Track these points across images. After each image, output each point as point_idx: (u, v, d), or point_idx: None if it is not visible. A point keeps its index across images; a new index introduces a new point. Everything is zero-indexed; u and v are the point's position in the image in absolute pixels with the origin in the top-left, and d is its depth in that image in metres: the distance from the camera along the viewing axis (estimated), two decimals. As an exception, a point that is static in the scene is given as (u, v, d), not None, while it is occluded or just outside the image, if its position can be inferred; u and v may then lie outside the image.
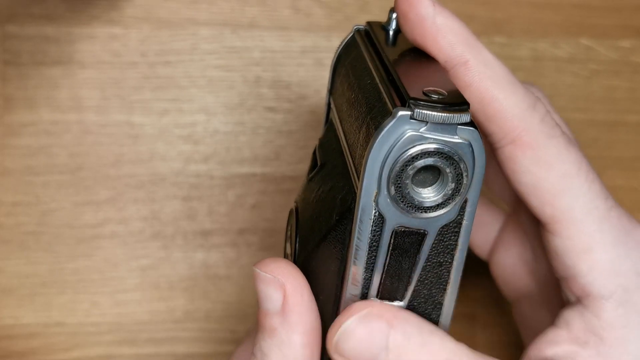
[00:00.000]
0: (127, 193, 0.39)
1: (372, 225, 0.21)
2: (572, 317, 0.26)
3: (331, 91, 0.28)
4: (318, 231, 0.24)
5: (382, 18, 0.40)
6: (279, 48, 0.39)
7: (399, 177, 0.20)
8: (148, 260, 0.39)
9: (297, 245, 0.26)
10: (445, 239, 0.22)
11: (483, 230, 0.32)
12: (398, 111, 0.20)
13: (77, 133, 0.38)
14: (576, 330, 0.26)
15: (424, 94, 0.20)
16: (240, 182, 0.39)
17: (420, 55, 0.25)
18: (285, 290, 0.24)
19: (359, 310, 0.23)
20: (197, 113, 0.39)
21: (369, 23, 0.27)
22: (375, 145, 0.20)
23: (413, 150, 0.20)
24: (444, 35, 0.26)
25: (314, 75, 0.40)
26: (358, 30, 0.27)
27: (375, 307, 0.23)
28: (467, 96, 0.23)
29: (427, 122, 0.20)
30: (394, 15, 0.26)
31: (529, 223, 0.30)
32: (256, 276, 0.24)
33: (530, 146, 0.25)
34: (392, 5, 0.40)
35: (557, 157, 0.25)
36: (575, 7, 0.41)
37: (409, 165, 0.20)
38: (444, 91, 0.20)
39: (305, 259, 0.25)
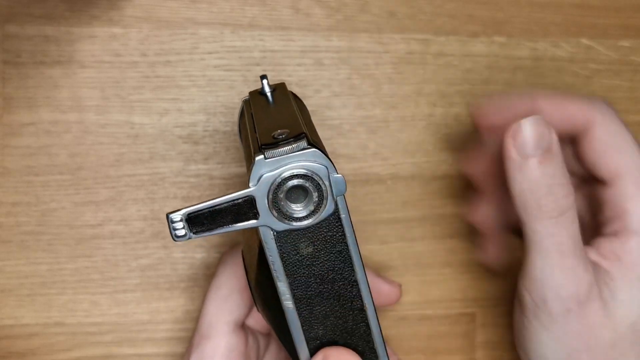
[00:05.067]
0: (127, 193, 0.39)
1: (275, 242, 0.27)
2: (611, 243, 0.33)
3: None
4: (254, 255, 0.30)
5: (382, 17, 0.40)
6: (279, 48, 0.39)
7: (275, 202, 0.26)
8: (148, 260, 0.39)
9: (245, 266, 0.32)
10: (334, 231, 0.28)
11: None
12: (255, 157, 0.26)
13: (77, 133, 0.38)
14: (611, 250, 0.32)
15: (273, 137, 0.26)
16: (240, 182, 0.39)
17: (278, 107, 0.31)
18: None
19: None
20: (197, 113, 0.39)
21: (250, 93, 0.33)
22: (250, 184, 0.26)
23: (277, 180, 0.26)
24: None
25: (314, 75, 0.40)
26: (245, 101, 0.33)
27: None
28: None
29: (278, 157, 0.26)
30: (265, 82, 0.32)
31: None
32: None
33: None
34: (392, 6, 0.40)
35: (616, 132, 0.33)
36: (575, 7, 0.41)
37: (278, 191, 0.26)
38: (288, 131, 0.27)
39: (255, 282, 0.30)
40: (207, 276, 0.39)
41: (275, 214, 0.27)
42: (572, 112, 0.34)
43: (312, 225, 0.27)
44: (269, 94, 0.32)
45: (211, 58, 0.39)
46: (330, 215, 0.27)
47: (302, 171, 0.26)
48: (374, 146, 0.40)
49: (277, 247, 0.27)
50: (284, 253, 0.28)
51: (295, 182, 0.26)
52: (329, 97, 0.40)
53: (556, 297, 0.31)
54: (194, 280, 0.39)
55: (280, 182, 0.26)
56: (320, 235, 0.27)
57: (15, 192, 0.38)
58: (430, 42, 0.40)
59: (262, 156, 0.26)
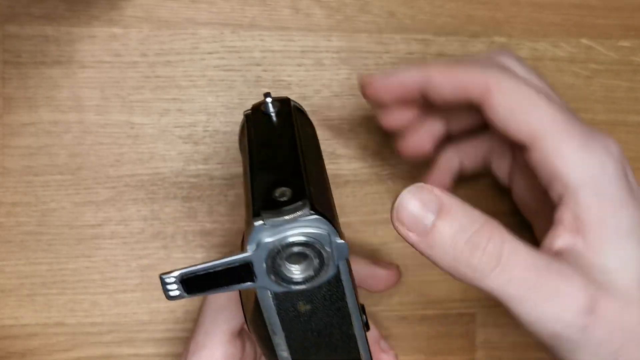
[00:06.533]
0: (127, 193, 0.39)
1: (273, 300, 0.26)
2: (561, 213, 0.30)
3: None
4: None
5: (382, 18, 0.40)
6: (279, 48, 0.39)
7: (274, 268, 0.25)
8: (148, 260, 0.39)
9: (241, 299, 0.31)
10: (333, 290, 0.27)
11: (501, 161, 0.38)
12: (254, 222, 0.25)
13: (77, 133, 0.38)
14: (567, 222, 0.30)
15: (273, 198, 0.25)
16: (240, 182, 0.39)
17: (280, 139, 0.29)
18: None
19: None
20: (197, 113, 0.39)
21: (252, 108, 0.32)
22: (247, 248, 0.25)
23: (276, 247, 0.25)
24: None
25: (314, 75, 0.40)
26: (247, 116, 0.32)
27: None
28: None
29: (279, 224, 0.24)
30: (269, 100, 0.31)
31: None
32: None
33: (499, 91, 0.31)
34: (392, 6, 0.40)
35: (517, 92, 0.31)
36: (575, 7, 0.41)
37: (277, 257, 0.25)
38: (290, 190, 0.25)
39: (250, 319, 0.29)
40: (207, 276, 0.39)
41: (274, 278, 0.25)
42: (466, 81, 0.32)
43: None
44: (272, 115, 0.31)
45: (211, 58, 0.39)
46: (331, 277, 0.26)
47: (303, 239, 0.25)
48: (373, 146, 0.40)
49: (274, 305, 0.27)
50: (281, 311, 0.27)
51: (295, 249, 0.25)
52: (329, 97, 0.40)
53: (563, 328, 0.28)
54: (194, 280, 0.39)
55: (280, 249, 0.25)
56: (320, 294, 0.27)
57: (15, 192, 0.38)
58: (430, 42, 0.40)
59: (261, 222, 0.24)
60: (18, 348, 0.39)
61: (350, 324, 0.28)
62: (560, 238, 0.30)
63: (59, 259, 0.39)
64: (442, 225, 0.27)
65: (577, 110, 0.41)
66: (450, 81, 0.32)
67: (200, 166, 0.39)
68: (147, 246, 0.39)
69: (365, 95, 0.35)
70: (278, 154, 0.28)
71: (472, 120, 0.37)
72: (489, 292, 0.28)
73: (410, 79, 0.33)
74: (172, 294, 0.25)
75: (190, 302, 0.39)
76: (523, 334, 0.42)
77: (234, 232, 0.39)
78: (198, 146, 0.39)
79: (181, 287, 0.25)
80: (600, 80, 0.42)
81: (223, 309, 0.34)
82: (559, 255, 0.30)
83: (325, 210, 0.25)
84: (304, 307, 0.27)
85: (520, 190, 0.38)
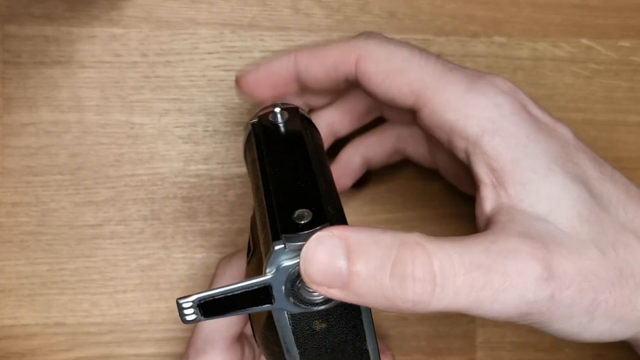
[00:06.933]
0: (127, 193, 0.39)
1: (289, 319, 0.26)
2: (475, 170, 0.28)
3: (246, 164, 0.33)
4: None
5: (382, 18, 0.40)
6: (279, 48, 0.39)
7: (293, 290, 0.25)
8: (148, 260, 0.39)
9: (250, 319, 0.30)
10: (350, 308, 0.27)
11: (415, 145, 0.36)
12: (275, 245, 0.24)
13: (77, 133, 0.38)
14: (485, 177, 0.28)
15: (294, 220, 0.25)
16: (240, 182, 0.39)
17: (292, 153, 0.29)
18: None
19: None
20: (197, 113, 0.39)
21: (259, 118, 0.31)
22: (267, 271, 0.24)
23: (294, 271, 0.24)
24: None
25: (314, 75, 0.40)
26: (253, 125, 0.31)
27: None
28: None
29: (300, 247, 0.24)
30: (278, 110, 0.30)
31: None
32: None
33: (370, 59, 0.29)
34: (392, 6, 0.40)
35: (389, 55, 0.29)
36: (575, 7, 0.41)
37: (297, 280, 0.25)
38: (310, 212, 0.25)
39: (259, 336, 0.29)
40: (207, 276, 0.39)
41: (292, 301, 0.25)
42: (334, 58, 0.30)
43: None
44: (281, 125, 0.30)
45: (211, 58, 0.39)
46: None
47: None
48: (374, 146, 0.40)
49: (290, 325, 0.26)
50: (297, 330, 0.27)
51: None
52: (329, 97, 0.40)
53: (530, 307, 0.26)
54: (194, 281, 0.39)
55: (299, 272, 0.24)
56: (336, 313, 0.26)
57: (15, 192, 0.38)
58: (430, 42, 0.40)
59: (282, 245, 0.24)
60: (18, 348, 0.39)
61: (364, 339, 0.27)
62: (487, 199, 0.28)
63: (59, 259, 0.39)
64: (357, 268, 0.24)
65: (577, 110, 0.41)
66: (319, 61, 0.31)
67: (200, 166, 0.39)
68: (147, 246, 0.39)
69: (240, 93, 0.33)
70: (293, 172, 0.28)
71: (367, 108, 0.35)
72: (441, 312, 0.25)
73: (280, 67, 0.32)
74: (188, 318, 0.25)
75: (190, 302, 0.39)
76: (523, 334, 0.42)
77: (234, 232, 0.39)
78: (198, 146, 0.39)
79: (198, 311, 0.25)
80: (600, 80, 0.42)
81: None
82: (493, 220, 0.27)
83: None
84: (319, 326, 0.27)
85: (446, 166, 0.35)
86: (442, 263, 0.24)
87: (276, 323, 0.26)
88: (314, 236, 0.24)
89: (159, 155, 0.39)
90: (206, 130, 0.39)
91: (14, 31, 0.37)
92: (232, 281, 0.33)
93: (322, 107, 0.35)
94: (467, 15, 0.40)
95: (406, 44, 0.30)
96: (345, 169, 0.36)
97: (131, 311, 0.39)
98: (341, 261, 0.24)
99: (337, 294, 0.24)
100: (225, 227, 0.39)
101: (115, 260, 0.39)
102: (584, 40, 0.41)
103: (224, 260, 0.34)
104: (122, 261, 0.39)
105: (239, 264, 0.33)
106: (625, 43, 0.42)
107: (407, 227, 0.41)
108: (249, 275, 0.28)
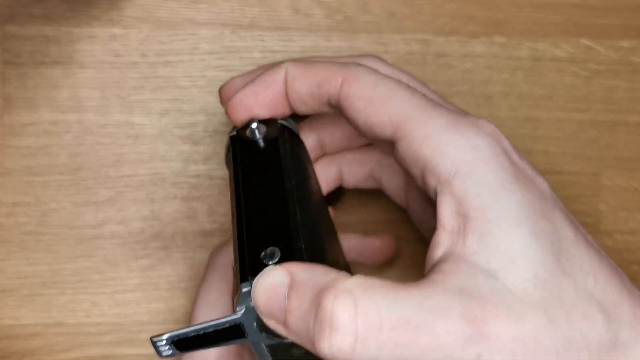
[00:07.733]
0: (127, 193, 0.39)
1: (267, 349, 0.26)
2: (439, 211, 0.26)
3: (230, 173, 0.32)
4: None
5: (382, 18, 0.40)
6: (279, 48, 0.39)
7: (265, 326, 0.25)
8: (148, 260, 0.39)
9: None
10: None
11: (392, 178, 0.35)
12: (242, 287, 0.25)
13: (77, 133, 0.38)
14: (446, 221, 0.26)
15: (261, 261, 0.25)
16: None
17: (267, 181, 0.28)
18: None
19: None
20: (197, 113, 0.39)
21: (237, 132, 0.30)
22: (237, 310, 0.25)
23: None
24: None
25: (314, 75, 0.39)
26: (232, 139, 0.31)
27: None
28: None
29: None
30: (255, 125, 0.29)
31: None
32: None
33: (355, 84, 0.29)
34: (392, 6, 0.40)
35: (375, 84, 0.28)
36: (575, 7, 0.41)
37: None
38: (278, 251, 0.25)
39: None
40: (207, 276, 0.39)
41: (265, 335, 0.25)
42: (322, 76, 0.29)
43: None
44: (259, 141, 0.30)
45: (211, 58, 0.39)
46: None
47: None
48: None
49: (269, 353, 0.27)
50: (277, 357, 0.27)
51: None
52: (329, 97, 0.40)
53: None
54: (194, 280, 0.39)
55: None
56: None
57: (15, 192, 0.38)
58: (430, 43, 0.40)
59: (248, 288, 0.25)
60: (18, 348, 0.39)
61: None
62: (440, 245, 0.26)
63: (59, 259, 0.39)
64: (291, 307, 0.24)
65: (577, 110, 0.41)
66: (306, 76, 0.30)
67: (200, 166, 0.39)
68: (147, 246, 0.39)
69: (225, 111, 0.32)
70: (266, 200, 0.28)
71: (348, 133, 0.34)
72: None
73: (269, 85, 0.30)
74: (164, 353, 0.26)
75: (190, 303, 0.39)
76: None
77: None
78: (198, 146, 0.39)
79: (173, 347, 0.26)
80: (600, 81, 0.42)
81: (216, 304, 0.33)
82: (437, 268, 0.26)
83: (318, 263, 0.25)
84: (298, 352, 0.27)
85: (417, 207, 0.34)
86: (367, 315, 0.23)
87: (255, 352, 0.27)
88: (263, 271, 0.24)
89: (158, 156, 0.39)
90: (206, 131, 0.39)
91: (14, 31, 0.37)
92: (225, 271, 0.33)
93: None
94: (467, 15, 0.40)
95: (398, 78, 0.29)
96: (318, 175, 0.35)
97: (131, 311, 0.39)
98: (282, 298, 0.24)
99: (281, 330, 0.25)
100: (225, 227, 0.39)
101: (115, 260, 0.39)
102: (583, 41, 0.41)
103: (214, 252, 0.35)
104: (122, 261, 0.39)
105: (229, 252, 0.33)
106: (625, 43, 0.42)
107: (407, 227, 0.41)
108: (235, 276, 0.29)
